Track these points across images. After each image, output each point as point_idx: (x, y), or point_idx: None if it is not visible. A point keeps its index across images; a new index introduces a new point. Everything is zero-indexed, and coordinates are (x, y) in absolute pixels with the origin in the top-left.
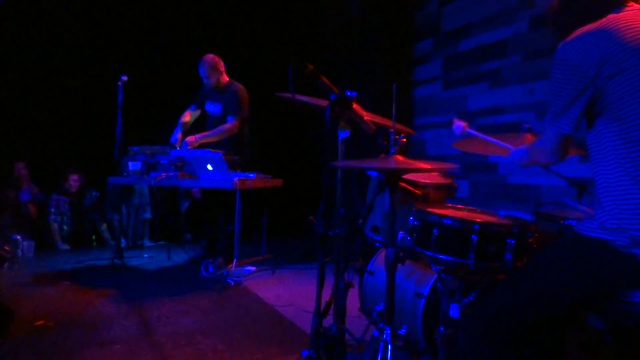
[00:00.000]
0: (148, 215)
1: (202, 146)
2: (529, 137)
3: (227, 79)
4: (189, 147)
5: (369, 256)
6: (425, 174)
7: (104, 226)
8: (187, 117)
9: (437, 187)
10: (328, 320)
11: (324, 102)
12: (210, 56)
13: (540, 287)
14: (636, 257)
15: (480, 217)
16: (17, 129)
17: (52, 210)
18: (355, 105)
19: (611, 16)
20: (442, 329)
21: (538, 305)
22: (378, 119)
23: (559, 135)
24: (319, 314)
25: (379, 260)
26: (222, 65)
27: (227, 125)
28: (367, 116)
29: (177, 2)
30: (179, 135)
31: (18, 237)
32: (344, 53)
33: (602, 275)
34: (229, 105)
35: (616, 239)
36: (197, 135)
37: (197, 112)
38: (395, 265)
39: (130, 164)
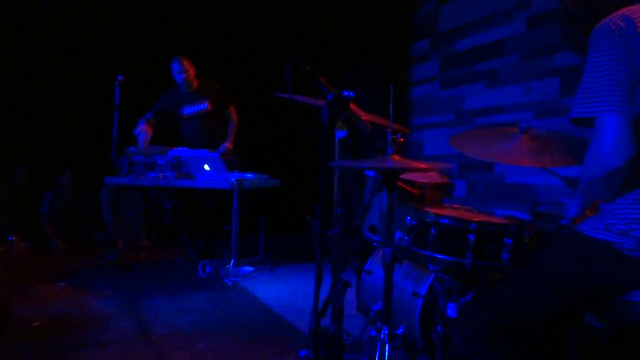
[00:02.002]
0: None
1: (199, 146)
2: (525, 138)
3: (197, 78)
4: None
5: (367, 256)
6: (423, 173)
7: (101, 226)
8: (146, 127)
9: (434, 186)
10: (326, 320)
11: (321, 102)
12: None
13: (539, 287)
14: None
15: (477, 217)
16: (13, 129)
17: (48, 210)
18: (352, 105)
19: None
20: (439, 328)
21: (537, 304)
22: (375, 119)
23: (618, 120)
24: (316, 314)
25: (377, 259)
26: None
27: (234, 118)
28: (364, 116)
29: (174, 1)
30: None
31: (13, 237)
32: (341, 53)
33: (605, 276)
34: (220, 99)
35: (623, 242)
36: (229, 141)
37: (153, 121)
38: (392, 265)
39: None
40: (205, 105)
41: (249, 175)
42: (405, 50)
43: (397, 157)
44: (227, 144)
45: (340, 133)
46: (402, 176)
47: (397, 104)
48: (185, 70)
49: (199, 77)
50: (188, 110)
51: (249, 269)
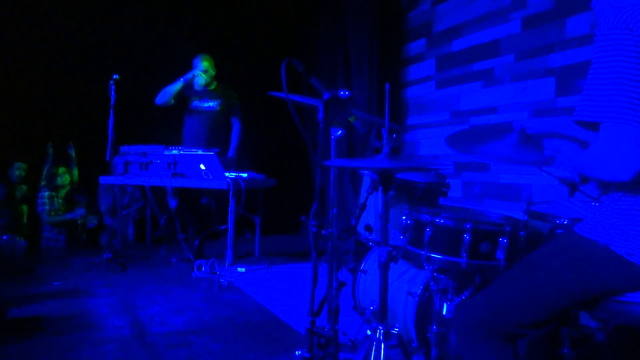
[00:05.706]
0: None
1: (197, 145)
2: (520, 138)
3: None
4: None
5: (362, 255)
6: (418, 173)
7: (97, 225)
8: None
9: (430, 186)
10: (321, 320)
11: (317, 102)
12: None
13: (536, 287)
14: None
15: (472, 216)
16: (8, 128)
17: (42, 209)
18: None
19: None
20: (435, 327)
21: (533, 304)
22: (371, 118)
23: (629, 130)
24: (312, 314)
25: (372, 259)
26: None
27: (239, 130)
28: (359, 115)
29: (169, 1)
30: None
31: (7, 237)
32: (337, 52)
33: (602, 279)
34: (231, 107)
35: (623, 246)
36: (233, 151)
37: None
38: (388, 265)
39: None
40: (214, 106)
41: (244, 174)
42: (401, 49)
43: (392, 157)
44: (233, 154)
45: (337, 132)
46: (398, 175)
47: (392, 104)
48: (205, 70)
49: (219, 81)
50: (196, 105)
51: (244, 268)
